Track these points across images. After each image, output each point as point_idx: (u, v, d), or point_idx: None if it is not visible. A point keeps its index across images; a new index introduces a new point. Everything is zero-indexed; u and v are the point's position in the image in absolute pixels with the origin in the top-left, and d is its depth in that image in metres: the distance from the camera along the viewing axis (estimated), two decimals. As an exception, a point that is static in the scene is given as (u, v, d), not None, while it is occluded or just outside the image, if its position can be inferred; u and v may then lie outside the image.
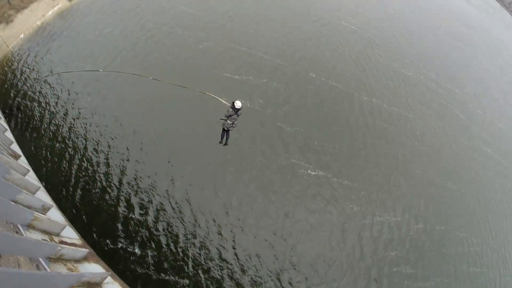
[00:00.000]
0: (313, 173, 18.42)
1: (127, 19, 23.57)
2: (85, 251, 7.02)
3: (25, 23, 22.89)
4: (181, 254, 14.50)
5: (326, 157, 19.39)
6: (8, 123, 15.39)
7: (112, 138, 17.18)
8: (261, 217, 16.40)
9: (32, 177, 8.92)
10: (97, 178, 15.81)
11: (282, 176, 17.88)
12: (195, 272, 14.25)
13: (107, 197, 15.32)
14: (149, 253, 14.15)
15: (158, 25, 23.46)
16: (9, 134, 11.08)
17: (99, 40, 21.87)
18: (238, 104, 10.68)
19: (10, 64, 19.78)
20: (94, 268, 7.16)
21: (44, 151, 15.89)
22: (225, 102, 11.55)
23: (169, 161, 16.89)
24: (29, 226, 7.05)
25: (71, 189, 15.00)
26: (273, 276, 14.89)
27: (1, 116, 13.06)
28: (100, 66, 19.88)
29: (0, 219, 8.37)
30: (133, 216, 15.03)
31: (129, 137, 17.34)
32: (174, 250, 14.54)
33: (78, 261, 6.96)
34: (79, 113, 17.88)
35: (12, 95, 18.13)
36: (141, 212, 15.15)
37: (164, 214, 15.40)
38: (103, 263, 7.48)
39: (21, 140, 15.10)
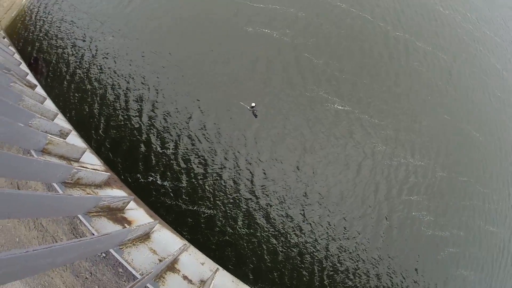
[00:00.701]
0: (339, 108, 16.78)
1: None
2: (106, 174, 6.12)
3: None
4: (202, 185, 13.87)
5: (353, 91, 17.38)
6: (32, 72, 14.84)
7: (131, 77, 16.15)
8: (282, 150, 15.28)
9: (50, 106, 8.10)
10: (121, 116, 14.99)
11: (307, 108, 16.45)
12: (215, 202, 13.65)
13: (131, 132, 14.61)
14: (172, 185, 13.62)
15: None
16: (24, 67, 10.28)
17: None
18: (252, 104, 14.78)
19: (25, 18, 18.78)
20: (118, 194, 6.33)
21: (67, 95, 15.18)
22: (247, 106, 15.05)
23: (198, 98, 15.86)
24: (44, 152, 6.19)
25: (95, 128, 14.36)
26: (289, 208, 14.15)
27: (15, 51, 12.26)
28: (120, 6, 18.59)
29: (12, 145, 7.71)
30: (156, 149, 14.33)
31: (150, 74, 16.26)
32: (195, 182, 13.89)
33: (99, 186, 6.10)
34: (103, 54, 16.83)
35: (31, 47, 17.29)
36: (163, 145, 14.41)
37: (186, 147, 14.59)
38: (127, 189, 6.62)
39: (44, 87, 14.58)
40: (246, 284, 8.59)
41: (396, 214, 15.46)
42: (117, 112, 15.02)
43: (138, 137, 14.43)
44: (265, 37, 18.02)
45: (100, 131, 14.39)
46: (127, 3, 18.74)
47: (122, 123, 14.75)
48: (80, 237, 6.67)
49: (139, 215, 6.23)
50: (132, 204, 6.22)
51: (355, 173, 15.66)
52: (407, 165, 16.68)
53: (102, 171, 6.62)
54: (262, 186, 14.37)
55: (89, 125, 14.42)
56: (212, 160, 14.45)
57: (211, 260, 6.47)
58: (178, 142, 14.60)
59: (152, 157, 14.00)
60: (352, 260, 14.32)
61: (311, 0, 20.28)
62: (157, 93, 15.71)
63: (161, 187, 13.26)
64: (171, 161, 14.11)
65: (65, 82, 15.76)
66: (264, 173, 14.63)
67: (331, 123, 16.32)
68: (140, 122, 14.85)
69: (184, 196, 13.41)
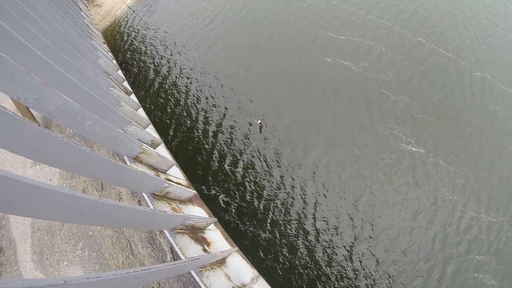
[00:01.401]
0: (408, 148, 15.71)
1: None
2: (192, 192, 6.06)
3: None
4: (255, 205, 13.73)
5: (424, 132, 16.22)
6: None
7: (211, 96, 16.76)
8: (345, 186, 14.63)
9: (143, 114, 8.36)
10: (189, 128, 15.64)
11: (376, 144, 15.57)
12: (271, 229, 13.39)
13: (196, 145, 15.11)
14: (234, 203, 13.67)
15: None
16: (121, 73, 10.87)
17: (198, 0, 21.48)
18: (259, 121, 14.68)
19: (116, 27, 20.24)
20: (198, 212, 6.23)
21: (148, 104, 16.03)
22: (256, 121, 14.92)
23: (263, 119, 15.92)
24: (136, 160, 6.26)
25: (169, 138, 15.01)
26: (336, 244, 13.35)
27: (113, 57, 13.15)
28: (202, 25, 19.57)
29: (107, 147, 7.99)
30: (224, 167, 14.58)
31: (227, 95, 16.80)
32: (256, 205, 13.79)
33: (183, 202, 6.03)
34: (181, 70, 17.70)
35: (121, 54, 18.58)
36: (231, 164, 14.65)
37: (253, 169, 14.64)
38: (206, 207, 6.51)
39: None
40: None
41: (452, 270, 13.79)
42: (186, 124, 15.59)
43: (211, 156, 14.74)
44: (343, 69, 17.79)
45: (169, 137, 14.93)
46: (209, 22, 19.65)
47: (189, 135, 15.25)
48: (157, 248, 6.65)
49: (216, 237, 6.05)
50: (211, 225, 6.10)
51: (413, 218, 14.43)
52: (473, 218, 15.03)
53: (185, 186, 6.58)
54: (313, 216, 13.82)
55: (159, 133, 15.11)
56: (269, 183, 14.24)
57: (278, 295, 6.10)
58: (239, 160, 14.65)
59: (221, 178, 14.19)
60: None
61: (392, 34, 19.70)
62: (226, 111, 16.07)
63: (216, 199, 13.33)
64: (238, 183, 14.18)
65: (142, 91, 16.70)
66: (318, 205, 14.08)
67: (396, 162, 15.36)
68: (206, 138, 15.21)
69: (233, 212, 13.35)
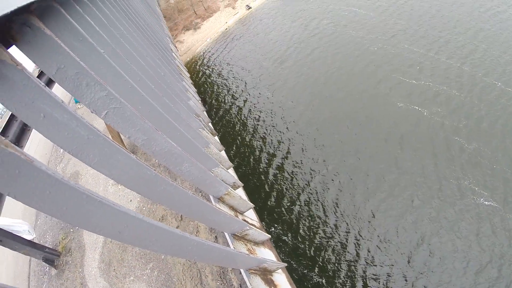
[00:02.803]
0: (479, 200, 15.11)
1: (295, 22, 24.89)
2: (267, 236, 6.80)
3: (211, 29, 26.45)
4: (306, 246, 14.06)
5: (502, 185, 15.42)
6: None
7: (269, 131, 17.88)
8: (402, 237, 14.16)
9: (224, 156, 9.44)
10: (256, 167, 16.57)
11: (440, 194, 15.06)
12: (314, 265, 13.66)
13: (262, 184, 15.88)
14: (286, 241, 14.10)
15: (322, 26, 24.07)
16: (206, 114, 12.30)
17: (272, 40, 23.38)
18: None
19: (197, 62, 22.65)
20: (268, 255, 6.88)
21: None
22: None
23: (324, 161, 16.44)
24: (220, 200, 7.23)
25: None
26: None
27: (199, 97, 14.87)
28: (273, 61, 21.18)
29: (194, 186, 9.11)
30: (281, 206, 15.23)
31: (291, 135, 17.69)
32: (300, 241, 14.20)
33: (256, 244, 6.82)
34: (252, 108, 19.17)
35: (197, 88, 20.74)
36: (289, 203, 15.21)
37: (302, 207, 15.10)
38: (274, 250, 7.19)
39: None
40: None
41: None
42: (249, 161, 16.55)
43: (270, 194, 15.51)
44: (414, 114, 17.87)
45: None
46: (281, 62, 21.16)
47: (250, 172, 16.15)
48: (226, 283, 7.41)
49: (282, 281, 6.65)
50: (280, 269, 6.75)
51: (473, 275, 13.62)
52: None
53: (259, 228, 7.38)
54: (365, 262, 13.68)
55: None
56: (323, 227, 14.49)
57: None
58: (296, 201, 15.17)
59: (276, 215, 14.84)
60: None
61: (465, 77, 19.22)
62: (288, 152, 16.85)
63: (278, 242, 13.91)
64: (292, 222, 14.69)
65: (218, 127, 18.30)
66: (372, 251, 13.92)
67: (461, 215, 14.63)
68: (268, 175, 16.00)
69: (294, 257, 13.71)
